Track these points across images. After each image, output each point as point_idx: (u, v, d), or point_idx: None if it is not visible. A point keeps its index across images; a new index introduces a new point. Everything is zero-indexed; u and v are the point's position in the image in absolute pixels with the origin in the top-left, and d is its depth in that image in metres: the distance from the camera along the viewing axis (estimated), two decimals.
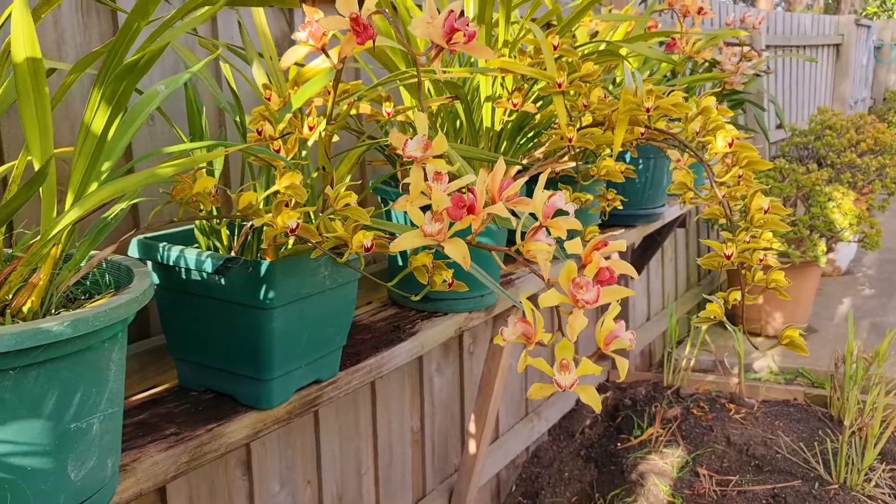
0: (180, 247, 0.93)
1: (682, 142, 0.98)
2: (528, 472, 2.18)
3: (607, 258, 0.68)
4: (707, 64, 2.19)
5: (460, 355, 1.90)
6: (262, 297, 0.90)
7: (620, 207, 1.55)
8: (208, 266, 0.91)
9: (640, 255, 2.60)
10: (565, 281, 0.67)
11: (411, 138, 0.72)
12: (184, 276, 0.95)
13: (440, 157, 0.72)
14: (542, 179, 0.70)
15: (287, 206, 0.84)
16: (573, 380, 0.69)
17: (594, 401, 0.70)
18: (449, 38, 0.66)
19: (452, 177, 0.75)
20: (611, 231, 1.98)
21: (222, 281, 0.92)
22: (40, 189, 0.64)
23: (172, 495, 1.20)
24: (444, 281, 0.85)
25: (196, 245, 0.97)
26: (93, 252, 0.76)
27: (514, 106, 1.13)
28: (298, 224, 0.77)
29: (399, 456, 1.73)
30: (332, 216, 0.83)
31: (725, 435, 2.12)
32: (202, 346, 0.98)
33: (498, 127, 1.22)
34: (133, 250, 0.97)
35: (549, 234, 0.73)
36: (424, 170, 0.72)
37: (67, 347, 0.63)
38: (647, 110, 0.99)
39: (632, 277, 2.46)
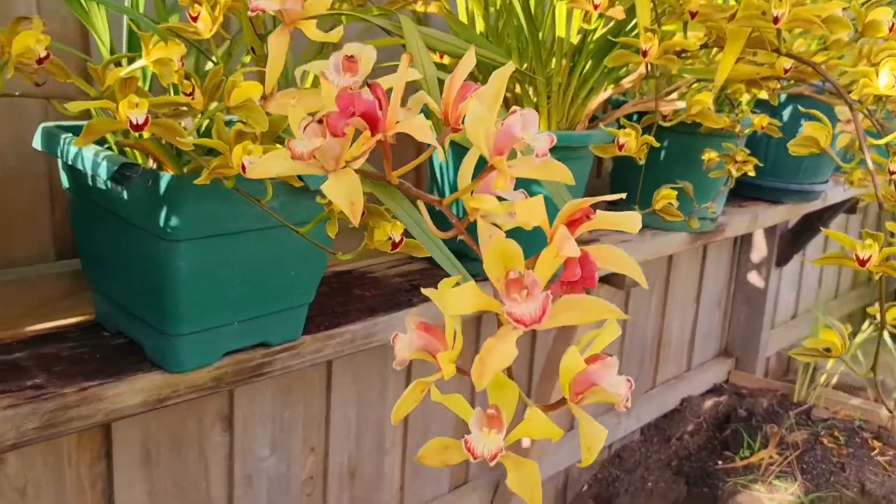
0: None
1: (821, 71, 0.61)
2: (605, 472, 1.86)
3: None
4: None
5: (533, 334, 1.60)
6: (162, 222, 0.65)
7: (752, 174, 1.17)
8: (103, 171, 0.66)
9: (791, 240, 2.14)
10: (496, 273, 0.36)
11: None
12: (90, 182, 0.72)
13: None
14: (499, 89, 0.38)
15: (189, 95, 0.58)
16: (498, 447, 0.38)
17: (533, 495, 0.39)
18: None
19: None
20: (749, 204, 1.58)
21: (125, 194, 0.68)
22: None
23: (119, 447, 1.01)
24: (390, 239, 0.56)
25: (108, 146, 0.72)
26: None
27: (595, 7, 0.80)
28: (147, 118, 0.50)
29: (437, 437, 1.47)
30: (239, 118, 0.55)
31: (860, 480, 1.69)
32: (110, 275, 0.75)
33: (575, 39, 0.88)
34: (37, 140, 0.74)
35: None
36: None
37: None
38: (776, 21, 0.62)
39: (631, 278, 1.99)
